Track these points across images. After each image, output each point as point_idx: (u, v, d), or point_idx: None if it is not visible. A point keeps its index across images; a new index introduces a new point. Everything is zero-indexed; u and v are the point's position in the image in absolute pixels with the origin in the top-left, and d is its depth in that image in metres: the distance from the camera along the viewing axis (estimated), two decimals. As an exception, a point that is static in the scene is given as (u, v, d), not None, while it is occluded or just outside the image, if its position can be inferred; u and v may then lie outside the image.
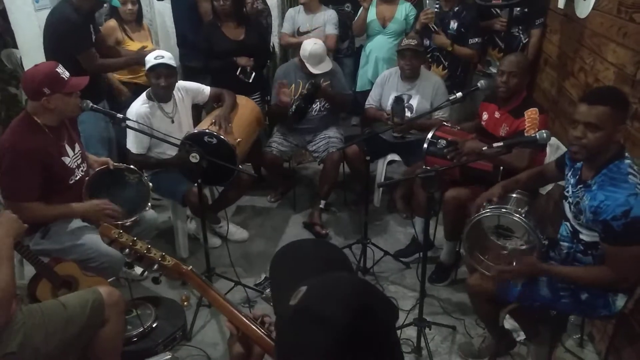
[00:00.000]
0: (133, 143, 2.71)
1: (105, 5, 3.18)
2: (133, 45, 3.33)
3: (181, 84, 2.89)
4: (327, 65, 3.20)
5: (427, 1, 3.36)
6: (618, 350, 2.07)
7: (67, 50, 2.69)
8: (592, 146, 1.65)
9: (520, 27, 3.32)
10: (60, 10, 2.76)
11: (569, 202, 1.82)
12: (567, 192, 1.85)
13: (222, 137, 2.67)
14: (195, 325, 2.44)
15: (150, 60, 2.63)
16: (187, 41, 3.63)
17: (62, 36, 2.72)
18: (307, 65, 3.16)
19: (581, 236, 1.77)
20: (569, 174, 1.86)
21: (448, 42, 3.28)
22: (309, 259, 0.92)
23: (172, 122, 2.79)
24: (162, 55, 2.65)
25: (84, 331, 1.73)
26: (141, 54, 2.97)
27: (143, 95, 2.76)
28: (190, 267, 1.09)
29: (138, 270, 2.68)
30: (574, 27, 2.83)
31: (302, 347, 0.71)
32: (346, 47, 3.98)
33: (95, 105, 2.29)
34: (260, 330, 1.02)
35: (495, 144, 2.03)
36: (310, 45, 3.17)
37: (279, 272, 0.94)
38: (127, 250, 1.10)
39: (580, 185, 1.75)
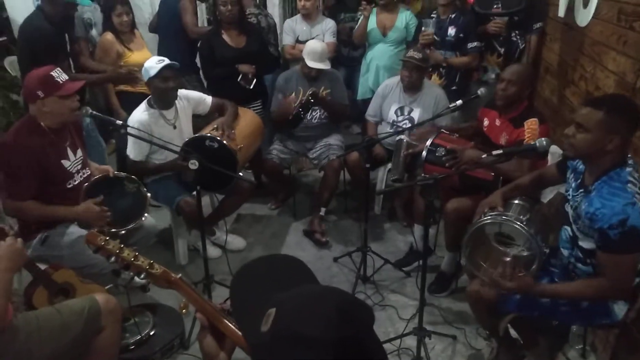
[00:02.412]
0: (132, 150, 2.71)
1: (77, 8, 3.11)
2: (134, 57, 3.31)
3: (183, 92, 2.89)
4: (326, 64, 3.23)
5: (424, 20, 3.39)
6: (621, 361, 2.05)
7: (38, 61, 2.61)
8: (578, 146, 1.65)
9: (517, 32, 3.32)
10: (31, 20, 2.72)
11: (570, 205, 1.81)
12: (568, 195, 1.83)
13: (223, 141, 2.67)
14: (194, 333, 2.42)
15: (153, 66, 2.61)
16: (166, 44, 3.62)
17: (32, 46, 2.68)
18: (306, 59, 3.18)
19: (580, 242, 1.75)
20: (571, 176, 1.85)
21: (441, 57, 3.33)
22: (267, 278, 0.86)
23: (174, 127, 2.79)
24: (161, 59, 2.65)
25: (80, 339, 1.71)
26: (115, 72, 2.97)
27: (144, 103, 2.76)
28: (180, 275, 1.07)
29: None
30: (574, 35, 2.83)
31: None
32: (360, 54, 4.00)
33: (94, 112, 2.29)
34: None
35: (494, 152, 2.02)
36: (313, 43, 3.26)
37: (240, 296, 0.86)
38: (113, 258, 1.09)
39: (581, 190, 1.74)
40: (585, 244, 1.73)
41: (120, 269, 1.12)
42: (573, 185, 1.81)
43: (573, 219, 1.76)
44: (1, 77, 3.97)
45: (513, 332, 2.21)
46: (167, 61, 2.63)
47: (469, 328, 2.48)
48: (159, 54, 3.20)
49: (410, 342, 2.35)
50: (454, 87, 3.42)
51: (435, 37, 3.33)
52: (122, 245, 1.09)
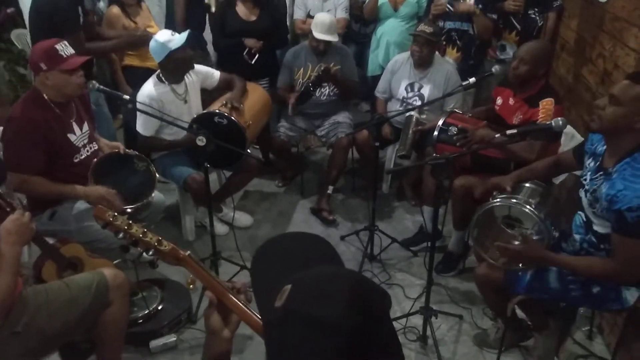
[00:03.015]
0: (142, 125, 2.69)
1: None
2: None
3: None
4: (333, 37, 3.15)
5: None
6: (628, 344, 2.03)
7: (53, 33, 2.61)
8: (606, 119, 1.60)
9: (536, 9, 3.22)
10: None
11: (585, 190, 1.77)
12: (585, 179, 1.79)
13: (232, 118, 2.64)
14: (201, 308, 2.44)
15: (171, 39, 2.55)
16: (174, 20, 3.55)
17: (48, 18, 2.64)
18: (314, 31, 3.11)
19: (594, 227, 1.72)
20: (589, 160, 1.80)
21: (473, 6, 3.18)
22: (290, 254, 0.85)
23: (185, 102, 2.76)
24: (173, 32, 2.61)
25: (88, 313, 1.73)
26: (130, 35, 2.92)
27: (153, 78, 2.72)
28: (188, 252, 1.06)
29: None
30: (593, 11, 2.73)
31: (298, 353, 0.66)
32: (371, 31, 3.91)
33: (101, 86, 2.26)
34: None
35: (508, 132, 1.97)
36: (322, 14, 3.17)
37: (261, 270, 0.86)
38: (121, 234, 1.08)
39: (600, 172, 1.69)
40: (600, 228, 1.70)
41: (128, 245, 1.11)
42: (592, 166, 1.76)
43: (589, 203, 1.72)
44: (8, 50, 3.95)
45: (520, 313, 2.21)
46: (177, 34, 2.59)
47: (475, 308, 2.48)
48: (167, 27, 3.15)
49: (416, 320, 2.35)
50: (471, 62, 3.34)
51: (449, 7, 3.23)
52: (130, 221, 1.08)
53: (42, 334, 1.62)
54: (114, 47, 3.07)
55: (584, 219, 1.78)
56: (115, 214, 1.08)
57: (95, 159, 2.26)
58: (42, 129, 2.05)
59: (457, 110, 2.73)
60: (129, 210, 2.22)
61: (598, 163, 1.73)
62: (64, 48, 2.06)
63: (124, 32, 3.15)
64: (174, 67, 2.64)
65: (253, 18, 3.24)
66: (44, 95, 2.09)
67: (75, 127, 2.21)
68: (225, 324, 0.97)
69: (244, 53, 3.23)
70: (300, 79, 3.23)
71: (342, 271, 0.76)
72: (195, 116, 2.70)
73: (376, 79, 3.46)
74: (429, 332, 2.27)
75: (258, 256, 0.88)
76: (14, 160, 2.05)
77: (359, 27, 3.98)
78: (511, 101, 2.53)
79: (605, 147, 1.71)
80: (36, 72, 2.08)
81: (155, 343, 2.23)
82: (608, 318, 2.27)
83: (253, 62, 3.25)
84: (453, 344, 2.32)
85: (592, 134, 1.79)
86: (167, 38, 2.58)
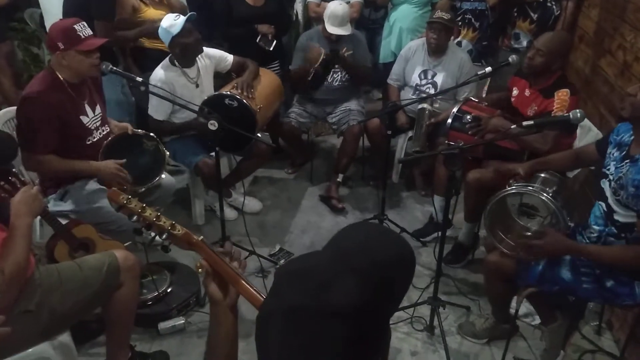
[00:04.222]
0: (154, 109, 2.69)
1: None
2: (149, 12, 3.23)
3: (204, 50, 2.83)
4: (345, 30, 3.08)
5: None
6: (639, 340, 2.02)
7: (86, 14, 2.60)
8: (638, 106, 1.59)
9: None
10: None
11: (609, 180, 1.75)
12: (608, 169, 1.77)
13: (243, 100, 2.62)
14: (209, 292, 2.46)
15: (173, 24, 2.53)
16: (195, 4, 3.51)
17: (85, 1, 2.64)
18: (326, 24, 3.06)
19: (616, 216, 1.71)
20: (614, 149, 1.78)
21: None
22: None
23: (197, 86, 2.75)
24: (177, 15, 2.58)
25: (99, 293, 1.75)
26: (153, 26, 2.91)
27: (165, 61, 2.71)
28: (201, 237, 1.07)
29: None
30: (615, 1, 2.66)
31: (304, 345, 0.69)
32: (381, 16, 3.85)
33: (115, 68, 2.26)
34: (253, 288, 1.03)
35: (525, 123, 1.94)
36: (334, 5, 3.08)
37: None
38: (135, 217, 1.08)
39: (627, 161, 1.68)
40: (622, 217, 1.69)
41: (141, 228, 1.11)
42: (617, 155, 1.75)
43: (613, 191, 1.71)
44: (22, 29, 3.94)
45: (524, 307, 2.19)
46: (181, 16, 2.56)
47: (483, 300, 2.46)
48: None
49: (424, 310, 2.35)
50: (485, 42, 3.30)
51: None
52: (144, 205, 1.08)
53: (54, 313, 1.64)
54: (135, 37, 3.06)
55: (605, 209, 1.76)
56: (129, 197, 1.08)
57: (105, 141, 2.26)
58: (56, 108, 2.05)
59: (472, 98, 2.69)
60: (141, 190, 2.22)
61: (624, 152, 1.72)
62: (83, 29, 2.05)
63: (148, 22, 3.12)
64: (180, 51, 2.62)
65: (261, 3, 3.20)
66: (59, 75, 2.09)
67: (88, 109, 2.21)
68: (224, 296, 1.02)
69: (257, 40, 3.19)
70: (313, 63, 3.18)
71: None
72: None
73: (388, 66, 3.41)
74: (436, 323, 2.27)
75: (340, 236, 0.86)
76: (28, 139, 2.06)
77: (369, 12, 3.91)
78: (527, 92, 2.49)
79: (633, 137, 1.70)
80: (53, 51, 2.07)
81: (164, 325, 2.25)
82: (618, 314, 2.25)
83: (272, 48, 3.21)
84: (460, 335, 2.32)
85: (619, 125, 1.78)
86: (170, 23, 2.55)
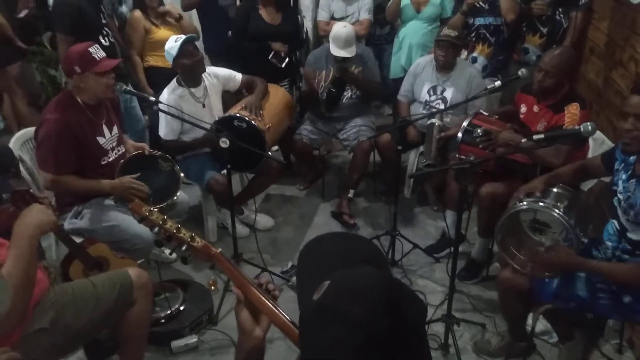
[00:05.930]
0: (164, 129, 2.73)
1: None
2: (160, 32, 3.33)
3: (212, 69, 2.88)
4: (350, 52, 3.09)
5: None
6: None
7: (76, 37, 2.62)
8: None
9: (561, 10, 3.15)
10: None
11: (618, 199, 1.72)
12: (617, 187, 1.74)
13: (252, 122, 2.65)
14: (222, 310, 2.46)
15: (173, 46, 2.59)
16: (207, 20, 3.57)
17: (66, 21, 2.71)
18: (331, 46, 3.09)
19: (629, 234, 1.68)
20: (621, 169, 1.75)
21: None
22: (336, 252, 0.88)
23: (203, 106, 2.79)
24: (179, 36, 2.65)
25: (112, 311, 1.76)
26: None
27: (173, 82, 2.76)
28: (220, 249, 1.08)
29: (168, 251, 2.72)
30: (625, 12, 2.66)
31: (325, 344, 0.68)
32: (387, 32, 3.88)
33: (128, 88, 2.31)
34: (284, 316, 1.00)
35: (535, 136, 1.93)
36: (338, 27, 3.11)
37: (305, 265, 0.90)
38: (156, 228, 1.10)
39: (633, 180, 1.66)
40: (635, 235, 1.66)
41: (162, 240, 1.14)
42: (624, 176, 1.72)
43: (623, 210, 1.68)
44: (40, 52, 4.06)
45: (540, 325, 2.15)
46: (183, 37, 2.62)
47: (498, 317, 2.42)
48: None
49: (438, 328, 2.32)
50: (500, 57, 3.31)
51: (481, 3, 3.18)
52: (165, 217, 1.11)
53: (68, 330, 1.65)
54: None
55: (618, 227, 1.74)
56: (152, 208, 1.11)
57: (122, 161, 2.31)
58: (75, 130, 2.11)
59: (482, 112, 2.68)
60: (155, 209, 2.24)
61: (630, 171, 1.69)
62: (97, 51, 2.12)
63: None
64: (182, 72, 2.69)
65: (278, 22, 3.26)
66: (77, 98, 2.15)
67: (105, 129, 2.26)
68: (256, 323, 0.99)
69: (270, 57, 3.24)
70: (322, 82, 3.23)
71: (380, 274, 0.78)
72: (216, 119, 2.72)
73: (398, 81, 3.43)
74: (450, 341, 2.23)
75: (305, 252, 0.91)
76: (47, 160, 2.11)
77: (375, 28, 3.95)
78: (536, 109, 2.47)
79: (636, 158, 1.68)
80: (70, 76, 2.13)
81: (176, 343, 2.25)
82: (639, 331, 2.19)
83: (283, 65, 3.26)
84: (475, 354, 2.27)
85: (620, 143, 1.75)
86: (170, 45, 2.62)
